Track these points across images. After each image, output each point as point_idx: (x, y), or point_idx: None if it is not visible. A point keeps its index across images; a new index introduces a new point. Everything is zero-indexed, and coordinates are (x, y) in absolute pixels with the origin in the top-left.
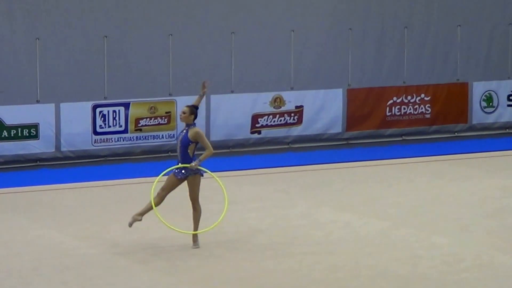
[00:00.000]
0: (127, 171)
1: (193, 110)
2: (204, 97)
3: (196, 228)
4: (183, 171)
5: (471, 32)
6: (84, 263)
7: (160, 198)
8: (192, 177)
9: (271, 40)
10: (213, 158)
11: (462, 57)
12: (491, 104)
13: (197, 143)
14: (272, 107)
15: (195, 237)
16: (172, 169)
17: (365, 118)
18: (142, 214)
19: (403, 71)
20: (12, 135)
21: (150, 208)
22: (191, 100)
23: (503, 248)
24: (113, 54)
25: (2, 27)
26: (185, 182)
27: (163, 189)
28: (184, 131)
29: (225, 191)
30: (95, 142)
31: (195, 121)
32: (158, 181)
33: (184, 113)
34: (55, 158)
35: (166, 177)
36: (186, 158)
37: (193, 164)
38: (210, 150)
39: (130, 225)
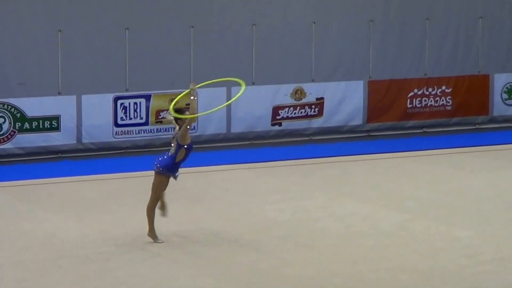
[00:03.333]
0: (148, 163)
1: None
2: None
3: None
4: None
5: (493, 24)
6: (104, 255)
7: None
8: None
9: (292, 32)
10: (234, 150)
11: (483, 49)
12: None
13: None
14: (293, 99)
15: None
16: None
17: (386, 110)
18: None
19: (424, 63)
20: (33, 127)
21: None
22: (212, 91)
23: None
24: (134, 46)
25: (24, 19)
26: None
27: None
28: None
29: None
30: (116, 134)
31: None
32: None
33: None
34: (76, 150)
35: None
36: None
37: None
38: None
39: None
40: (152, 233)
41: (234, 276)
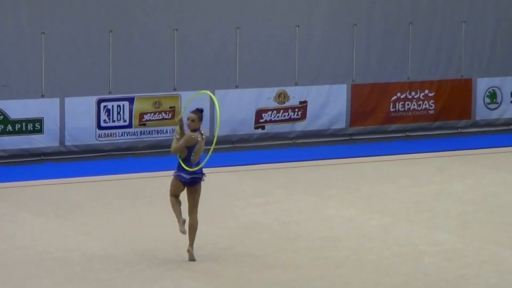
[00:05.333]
0: (131, 166)
1: (201, 115)
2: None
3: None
4: (194, 176)
5: (475, 28)
6: (88, 258)
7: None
8: (199, 183)
9: (276, 35)
10: (217, 153)
11: (466, 53)
12: (494, 100)
13: None
14: (276, 103)
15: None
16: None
17: (369, 114)
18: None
19: (407, 67)
20: (16, 129)
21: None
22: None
23: (505, 244)
24: (118, 48)
25: (8, 21)
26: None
27: (175, 195)
28: (199, 137)
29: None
30: (99, 136)
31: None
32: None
33: (193, 120)
34: (59, 152)
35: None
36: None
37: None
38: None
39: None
40: None
41: (216, 279)
